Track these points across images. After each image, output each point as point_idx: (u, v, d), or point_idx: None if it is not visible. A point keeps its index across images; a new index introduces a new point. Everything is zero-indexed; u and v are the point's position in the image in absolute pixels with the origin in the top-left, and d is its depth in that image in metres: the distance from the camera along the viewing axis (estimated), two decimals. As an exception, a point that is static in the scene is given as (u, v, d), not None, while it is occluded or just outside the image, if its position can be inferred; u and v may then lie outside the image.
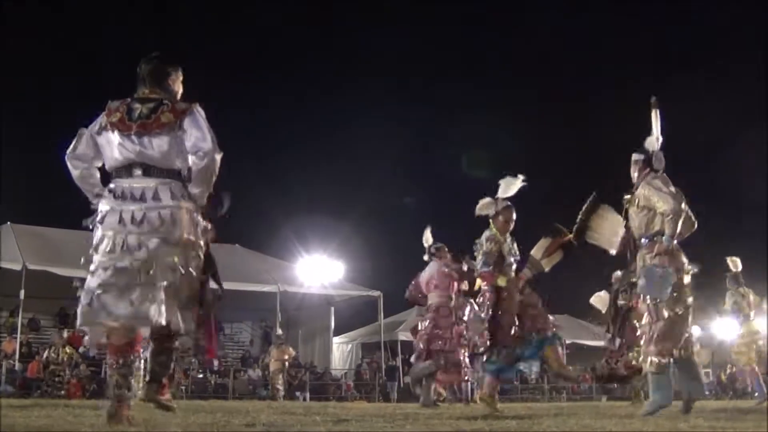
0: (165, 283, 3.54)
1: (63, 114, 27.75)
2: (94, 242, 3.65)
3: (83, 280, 3.69)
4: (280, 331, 18.02)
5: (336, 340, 23.28)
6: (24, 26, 30.03)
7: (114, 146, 3.71)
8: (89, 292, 3.58)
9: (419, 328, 8.68)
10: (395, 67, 35.87)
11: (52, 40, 30.83)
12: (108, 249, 3.57)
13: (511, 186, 6.15)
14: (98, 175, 3.87)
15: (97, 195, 3.78)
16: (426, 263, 8.72)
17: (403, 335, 19.43)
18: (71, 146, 3.83)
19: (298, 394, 18.06)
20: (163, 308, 3.52)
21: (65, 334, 16.39)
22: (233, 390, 17.40)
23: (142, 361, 4.16)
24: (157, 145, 3.66)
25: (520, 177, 6.14)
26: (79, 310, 3.64)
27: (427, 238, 8.76)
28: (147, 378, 4.07)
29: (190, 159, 3.71)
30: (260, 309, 21.33)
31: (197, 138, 3.67)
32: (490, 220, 6.12)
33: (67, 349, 16.14)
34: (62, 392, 14.82)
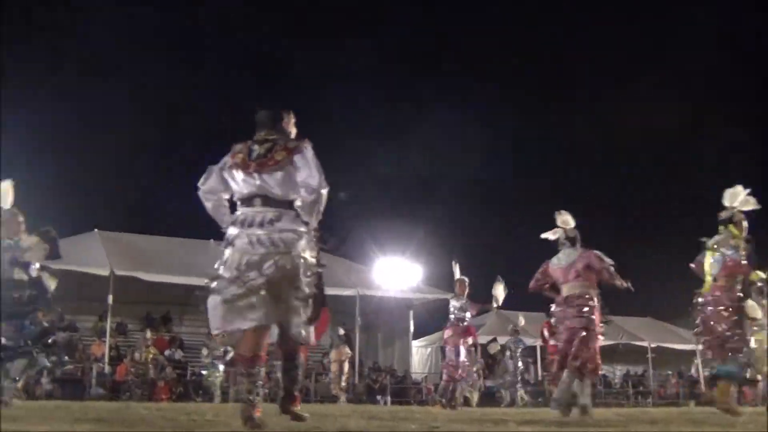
0: (289, 297, 4.11)
1: (148, 125, 28.56)
2: (224, 259, 4.21)
3: (202, 288, 4.23)
4: (341, 332, 18.10)
5: (415, 343, 23.23)
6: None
7: (238, 182, 4.32)
8: (221, 303, 4.08)
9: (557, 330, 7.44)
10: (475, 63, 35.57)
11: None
12: (237, 266, 4.10)
13: (738, 196, 6.69)
14: (227, 205, 4.51)
15: (227, 222, 4.38)
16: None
17: (482, 338, 19.26)
18: (202, 181, 4.48)
19: (379, 398, 18.09)
20: (293, 319, 4.14)
21: (148, 335, 16.83)
22: (315, 393, 17.55)
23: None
24: (273, 180, 4.24)
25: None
26: (211, 319, 4.16)
27: (567, 221, 7.30)
28: (281, 392, 4.77)
29: (301, 192, 4.28)
30: (339, 312, 21.43)
31: (306, 175, 4.24)
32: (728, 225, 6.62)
33: (152, 351, 16.58)
34: (148, 394, 15.21)
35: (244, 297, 4.02)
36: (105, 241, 18.36)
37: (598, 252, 6.91)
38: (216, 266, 4.23)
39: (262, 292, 4.01)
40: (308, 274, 4.26)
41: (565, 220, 7.24)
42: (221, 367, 15.89)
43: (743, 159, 27.23)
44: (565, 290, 6.89)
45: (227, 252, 4.22)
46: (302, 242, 4.25)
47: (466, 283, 10.91)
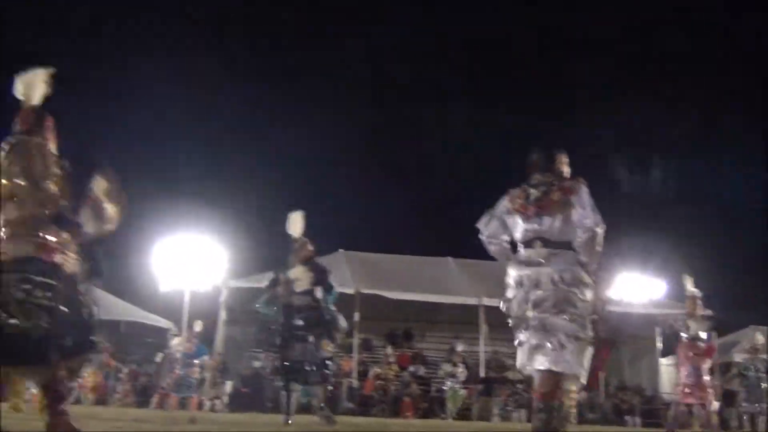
0: (571, 334, 4.27)
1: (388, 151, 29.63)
2: (510, 297, 4.48)
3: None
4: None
5: (663, 361, 21.94)
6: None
7: (518, 226, 4.53)
8: (521, 343, 4.40)
9: None
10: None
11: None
12: (522, 306, 4.33)
13: None
14: (509, 246, 4.71)
15: (510, 261, 4.57)
16: None
17: (738, 356, 17.81)
18: (483, 225, 4.74)
19: (627, 418, 17.31)
20: (576, 358, 4.29)
21: (389, 351, 17.27)
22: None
23: None
24: (551, 222, 4.42)
25: None
26: (518, 356, 4.47)
27: None
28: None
29: (578, 231, 4.43)
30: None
31: (581, 214, 4.40)
32: None
33: (394, 367, 17.02)
34: (394, 410, 15.60)
35: (533, 337, 4.26)
36: (349, 261, 19.16)
37: None
38: (502, 306, 4.53)
39: (548, 333, 4.23)
40: (588, 311, 4.40)
41: None
42: (459, 386, 16.03)
43: None
44: None
45: (511, 291, 4.46)
46: (583, 282, 4.37)
47: (698, 299, 10.11)
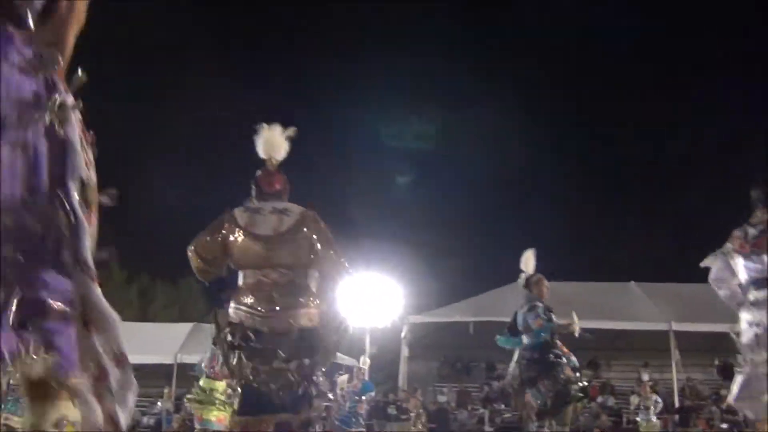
0: None
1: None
2: (743, 341, 4.39)
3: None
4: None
5: None
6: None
7: (740, 266, 4.40)
8: (747, 382, 4.29)
9: None
10: None
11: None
12: (756, 347, 4.25)
13: None
14: (738, 290, 4.51)
15: (741, 305, 4.45)
16: None
17: None
18: (711, 267, 4.57)
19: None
20: None
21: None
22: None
23: None
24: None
25: None
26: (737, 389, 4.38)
27: None
28: None
29: None
30: None
31: None
32: None
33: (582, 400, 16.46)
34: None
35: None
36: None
37: None
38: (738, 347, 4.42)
39: None
40: None
41: None
42: (653, 417, 15.25)
43: None
44: None
45: (745, 336, 4.35)
46: None
47: None
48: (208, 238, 4.12)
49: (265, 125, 4.36)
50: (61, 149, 1.60)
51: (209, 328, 4.24)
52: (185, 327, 19.72)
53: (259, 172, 4.33)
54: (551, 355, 6.93)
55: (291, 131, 4.37)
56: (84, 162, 1.67)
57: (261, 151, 4.32)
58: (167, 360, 17.90)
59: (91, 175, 1.70)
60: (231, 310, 4.02)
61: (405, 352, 17.72)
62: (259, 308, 3.95)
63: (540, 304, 7.09)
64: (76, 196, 1.60)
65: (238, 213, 4.15)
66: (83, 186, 1.65)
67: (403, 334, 17.72)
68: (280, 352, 3.86)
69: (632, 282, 19.27)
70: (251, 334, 3.89)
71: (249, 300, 3.99)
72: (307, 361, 3.92)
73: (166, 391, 17.50)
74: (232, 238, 4.08)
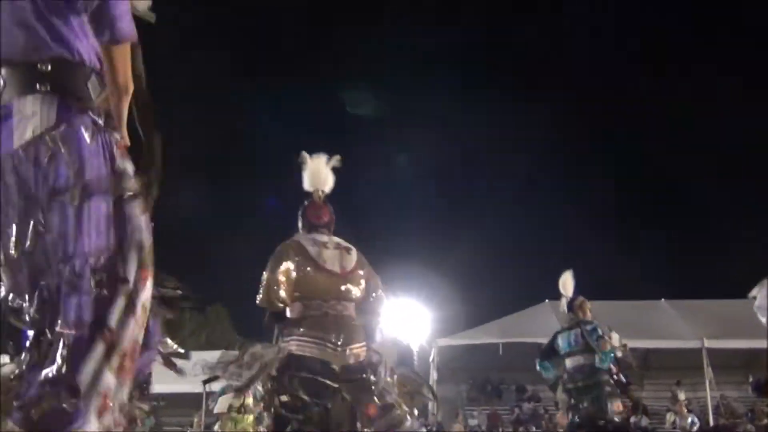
0: None
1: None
2: None
3: None
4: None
5: None
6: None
7: None
8: None
9: None
10: None
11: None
12: None
13: None
14: None
15: None
16: None
17: None
18: (758, 295, 4.54)
19: None
20: None
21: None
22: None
23: None
24: None
25: None
26: None
27: None
28: None
29: None
30: None
31: None
32: None
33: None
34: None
35: None
36: (554, 309, 18.65)
37: None
38: None
39: None
40: None
41: None
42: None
43: None
44: None
45: None
46: None
47: None
48: (284, 270, 4.05)
49: (307, 155, 4.31)
50: (123, 219, 1.88)
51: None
52: (213, 355, 19.71)
53: (306, 203, 4.29)
54: (607, 383, 6.75)
55: (336, 161, 4.32)
56: (143, 226, 1.93)
57: (307, 184, 4.30)
58: (196, 389, 17.90)
59: (148, 238, 1.93)
60: (293, 342, 3.94)
61: (434, 375, 17.59)
62: (330, 341, 3.90)
63: (598, 326, 6.92)
64: (134, 259, 1.86)
65: (306, 244, 4.12)
66: (141, 249, 1.89)
67: (431, 358, 17.62)
68: (344, 385, 3.83)
69: (663, 300, 19.05)
70: (317, 367, 3.84)
71: (315, 332, 3.93)
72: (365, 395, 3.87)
73: (195, 420, 17.47)
74: (302, 268, 4.04)
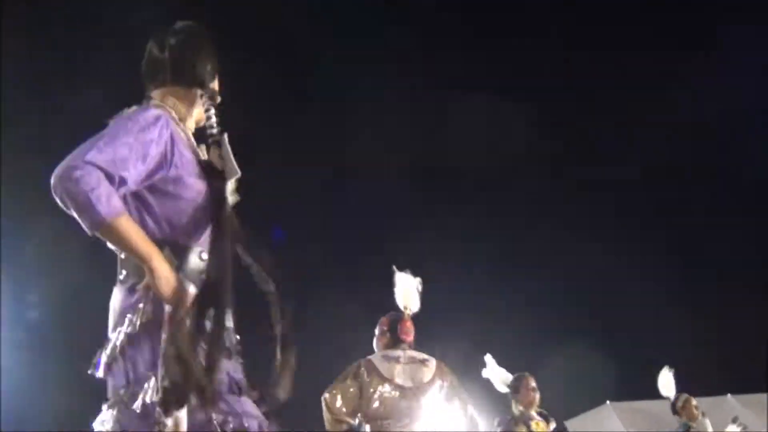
0: None
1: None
2: None
3: None
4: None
5: None
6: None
7: None
8: None
9: None
10: None
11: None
12: None
13: None
14: None
15: None
16: None
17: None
18: None
19: None
20: None
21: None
22: None
23: None
24: None
25: None
26: None
27: None
28: None
29: None
30: None
31: None
32: None
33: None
34: None
35: None
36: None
37: None
38: None
39: None
40: None
41: None
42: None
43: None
44: None
45: None
46: None
47: None
48: (346, 389, 4.03)
49: (398, 272, 4.39)
50: None
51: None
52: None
53: (398, 320, 4.30)
54: None
55: (419, 283, 4.37)
56: None
57: (399, 300, 4.33)
58: None
59: None
60: None
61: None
62: None
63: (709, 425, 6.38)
64: None
65: (377, 362, 4.12)
66: None
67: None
68: None
69: (729, 395, 18.12)
70: None
71: None
72: None
73: None
74: (372, 387, 4.01)
